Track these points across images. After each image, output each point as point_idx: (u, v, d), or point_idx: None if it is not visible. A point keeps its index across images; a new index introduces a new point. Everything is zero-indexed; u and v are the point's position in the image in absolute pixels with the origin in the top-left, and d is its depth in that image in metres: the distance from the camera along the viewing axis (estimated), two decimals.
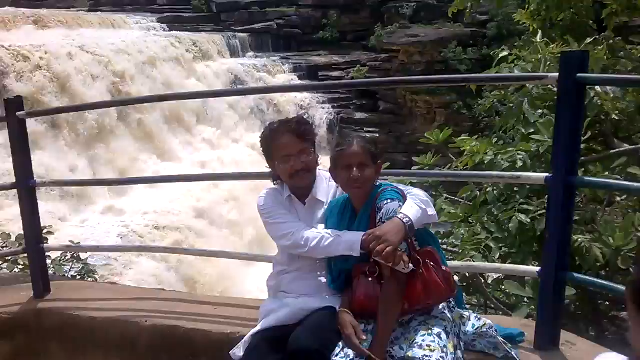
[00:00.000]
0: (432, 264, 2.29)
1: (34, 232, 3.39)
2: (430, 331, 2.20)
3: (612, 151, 3.79)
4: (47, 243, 3.58)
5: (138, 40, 20.52)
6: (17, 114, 3.21)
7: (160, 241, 13.01)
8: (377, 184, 2.49)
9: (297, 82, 24.81)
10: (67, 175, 13.58)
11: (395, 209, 2.29)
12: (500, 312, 3.51)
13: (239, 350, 2.47)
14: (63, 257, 6.25)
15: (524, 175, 2.52)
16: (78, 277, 6.70)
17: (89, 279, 6.76)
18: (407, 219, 2.23)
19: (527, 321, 2.74)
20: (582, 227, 3.89)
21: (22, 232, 5.12)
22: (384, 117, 25.29)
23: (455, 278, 3.83)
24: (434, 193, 4.70)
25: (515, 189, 3.62)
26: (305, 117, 2.73)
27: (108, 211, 14.26)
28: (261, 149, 2.67)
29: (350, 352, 2.20)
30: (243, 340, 2.49)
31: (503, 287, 3.68)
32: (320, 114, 24.59)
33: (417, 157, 4.98)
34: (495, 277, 4.04)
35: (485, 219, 3.66)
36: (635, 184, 2.28)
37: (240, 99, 22.27)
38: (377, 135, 24.78)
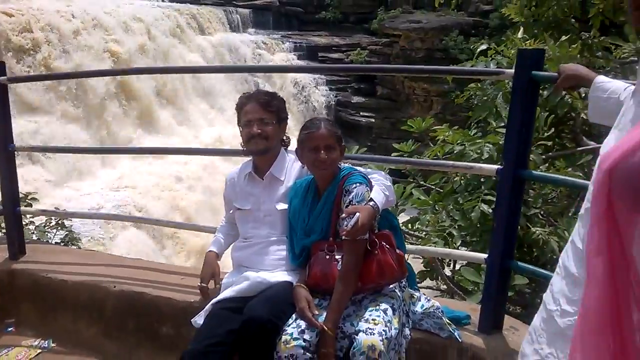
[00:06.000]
0: (387, 246, 2.40)
1: (11, 196, 3.48)
2: (377, 307, 2.32)
3: (578, 148, 3.90)
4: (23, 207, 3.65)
5: (137, 10, 20.32)
6: None
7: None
8: (341, 166, 2.59)
9: (296, 61, 24.74)
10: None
11: (363, 193, 2.40)
12: (457, 297, 3.64)
13: (199, 318, 2.59)
14: (48, 224, 6.34)
15: (476, 166, 2.62)
16: (62, 243, 6.81)
17: (73, 247, 6.87)
18: (377, 205, 2.35)
19: (476, 306, 2.86)
20: (550, 221, 4.02)
21: None
22: (381, 102, 25.27)
23: (419, 262, 3.99)
24: (410, 180, 4.82)
25: (482, 180, 3.73)
26: (279, 95, 2.87)
27: (100, 182, 14.37)
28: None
29: (302, 324, 2.30)
30: (204, 309, 2.59)
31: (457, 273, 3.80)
32: (317, 95, 24.56)
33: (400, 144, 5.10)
34: (460, 264, 4.16)
35: (451, 207, 3.77)
36: (579, 180, 2.39)
37: (237, 75, 22.21)
38: (373, 120, 24.87)
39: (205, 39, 22.67)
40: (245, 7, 27.35)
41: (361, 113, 24.77)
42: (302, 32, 27.64)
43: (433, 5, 26.71)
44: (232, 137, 17.90)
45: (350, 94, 25.33)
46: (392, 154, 5.29)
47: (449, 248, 3.53)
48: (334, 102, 24.89)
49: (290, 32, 27.34)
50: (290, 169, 2.79)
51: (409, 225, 4.19)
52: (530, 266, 2.53)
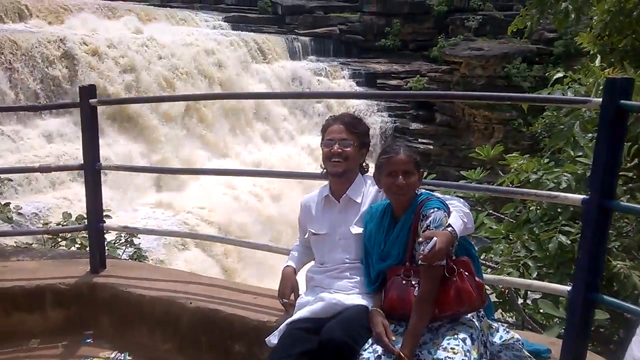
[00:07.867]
0: (466, 273, 2.37)
1: (96, 211, 3.66)
2: (456, 336, 2.28)
3: None
4: (106, 223, 3.83)
5: (202, 37, 21.17)
6: (89, 100, 3.49)
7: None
8: (418, 192, 2.59)
9: (355, 88, 24.98)
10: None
11: (441, 219, 2.38)
12: (526, 330, 3.53)
13: (274, 338, 2.61)
14: (117, 240, 6.62)
15: (561, 195, 2.56)
16: (130, 260, 7.10)
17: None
18: (455, 231, 2.34)
19: (556, 340, 2.77)
20: (629, 254, 3.86)
21: (80, 213, 5.56)
22: (439, 130, 25.14)
23: (493, 295, 3.90)
24: (479, 208, 4.75)
25: (558, 210, 3.64)
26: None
27: (158, 205, 14.85)
28: None
29: (379, 349, 2.30)
30: (278, 329, 2.62)
31: (532, 305, 3.69)
32: (376, 121, 24.64)
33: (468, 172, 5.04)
34: (531, 296, 4.05)
35: (526, 237, 3.69)
36: None
37: (297, 100, 22.70)
38: (431, 147, 24.72)
39: (266, 66, 23.31)
40: (306, 36, 27.95)
41: (419, 140, 24.68)
42: (361, 59, 27.96)
43: (494, 33, 26.65)
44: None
45: (409, 121, 25.33)
46: (461, 181, 5.24)
47: (524, 279, 3.45)
48: (391, 130, 24.90)
49: (349, 59, 27.71)
50: (367, 192, 2.81)
51: (481, 254, 4.11)
52: (615, 300, 2.44)
